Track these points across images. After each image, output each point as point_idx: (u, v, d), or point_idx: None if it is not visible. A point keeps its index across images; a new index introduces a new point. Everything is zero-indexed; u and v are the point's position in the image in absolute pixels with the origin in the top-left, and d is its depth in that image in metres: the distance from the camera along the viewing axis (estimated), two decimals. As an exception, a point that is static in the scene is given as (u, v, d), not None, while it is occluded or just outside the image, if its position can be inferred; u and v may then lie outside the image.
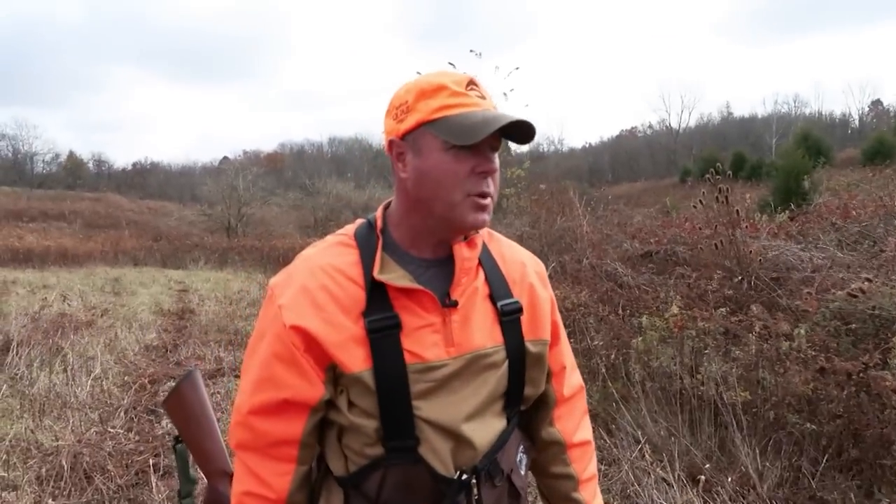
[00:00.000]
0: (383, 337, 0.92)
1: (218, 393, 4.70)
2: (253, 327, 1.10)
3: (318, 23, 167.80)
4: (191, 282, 13.89)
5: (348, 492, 0.99)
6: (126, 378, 5.20)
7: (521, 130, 0.94)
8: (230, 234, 28.82)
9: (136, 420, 4.06)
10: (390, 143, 0.96)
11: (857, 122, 55.40)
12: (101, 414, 4.05)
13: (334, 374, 0.94)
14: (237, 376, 5.24)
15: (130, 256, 20.22)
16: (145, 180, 56.39)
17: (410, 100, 0.94)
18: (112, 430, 3.76)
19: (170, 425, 3.97)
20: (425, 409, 0.94)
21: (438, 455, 0.95)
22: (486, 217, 0.96)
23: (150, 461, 3.24)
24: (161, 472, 3.17)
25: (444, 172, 0.92)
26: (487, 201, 0.95)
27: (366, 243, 0.98)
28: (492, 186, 0.96)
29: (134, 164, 64.17)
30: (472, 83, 0.96)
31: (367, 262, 0.96)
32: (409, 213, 0.98)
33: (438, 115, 0.92)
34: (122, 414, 4.12)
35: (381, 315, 0.93)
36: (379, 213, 1.02)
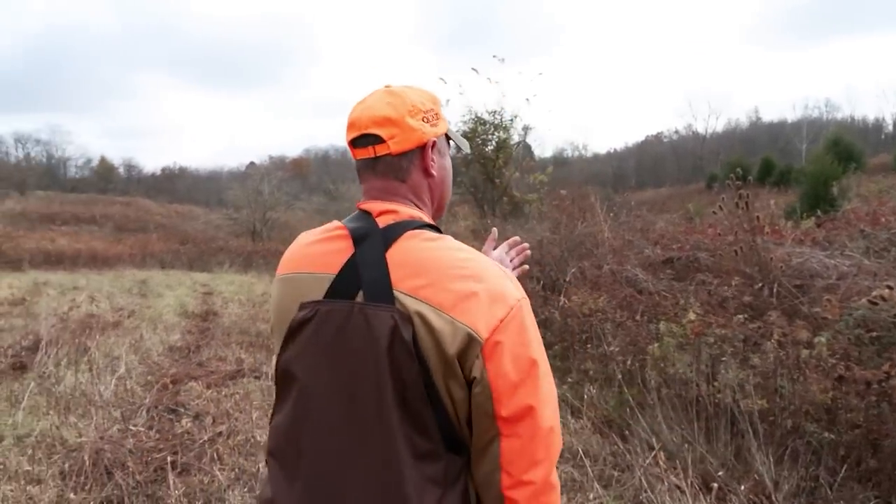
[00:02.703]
0: None
1: (237, 393, 4.77)
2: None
3: (344, 30, 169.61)
4: (215, 285, 14.12)
5: None
6: (149, 378, 5.31)
7: None
8: (255, 238, 29.20)
9: (157, 419, 4.14)
10: (433, 143, 1.09)
11: (890, 126, 54.05)
12: (123, 412, 4.15)
13: None
14: (256, 377, 5.32)
15: (158, 259, 20.60)
16: (174, 185, 57.46)
17: (437, 110, 1.11)
18: (133, 428, 3.84)
19: (189, 424, 4.05)
20: None
21: None
22: None
23: (169, 458, 3.30)
24: (178, 470, 3.24)
25: (451, 172, 1.18)
26: None
27: None
28: None
29: (163, 169, 65.52)
30: None
31: None
32: (429, 211, 1.13)
33: (449, 126, 1.16)
34: (143, 412, 4.21)
35: None
36: (426, 217, 1.09)
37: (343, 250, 1.00)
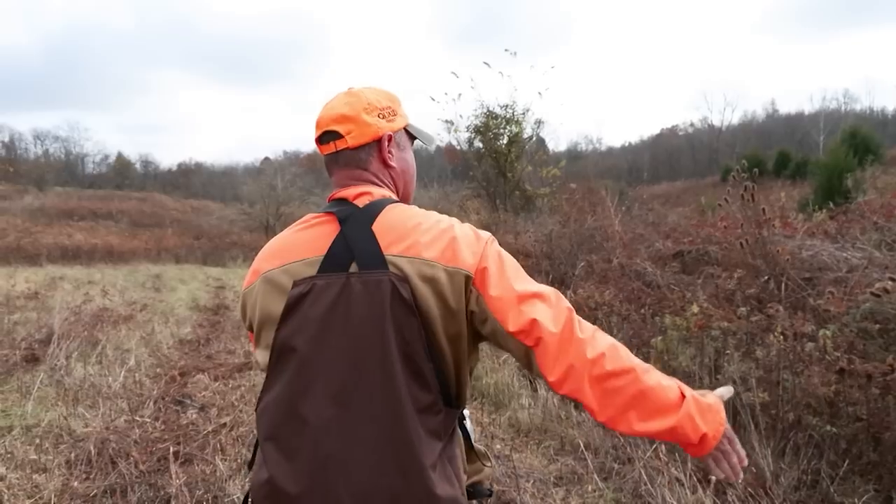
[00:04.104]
0: None
1: (243, 386, 4.82)
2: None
3: (358, 26, 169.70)
4: (228, 279, 14.25)
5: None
6: (158, 370, 5.38)
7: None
8: (268, 233, 29.39)
9: (163, 410, 4.19)
10: (387, 136, 1.18)
11: (911, 118, 53.05)
12: (130, 403, 4.20)
13: None
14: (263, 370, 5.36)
15: (172, 254, 20.85)
16: (189, 180, 57.96)
17: (394, 107, 1.21)
18: (139, 419, 3.89)
19: (195, 415, 4.10)
20: None
21: None
22: None
23: (172, 449, 3.34)
24: (181, 460, 3.27)
25: (413, 163, 1.28)
26: None
27: None
28: None
29: (179, 165, 66.15)
30: None
31: None
32: (395, 195, 1.22)
33: (411, 122, 1.27)
34: (150, 404, 4.26)
35: None
36: (396, 197, 1.21)
37: (329, 233, 1.08)
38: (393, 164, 1.19)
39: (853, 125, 25.79)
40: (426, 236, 1.05)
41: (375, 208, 1.09)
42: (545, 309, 1.03)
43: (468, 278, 1.03)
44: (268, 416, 1.03)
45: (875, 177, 12.78)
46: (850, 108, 55.49)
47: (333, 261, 1.04)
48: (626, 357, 1.02)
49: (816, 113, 52.29)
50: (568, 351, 1.00)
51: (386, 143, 1.18)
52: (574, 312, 1.06)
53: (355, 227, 1.06)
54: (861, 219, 6.67)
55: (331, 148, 1.16)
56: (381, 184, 1.19)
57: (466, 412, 1.25)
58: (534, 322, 1.01)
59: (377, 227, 1.05)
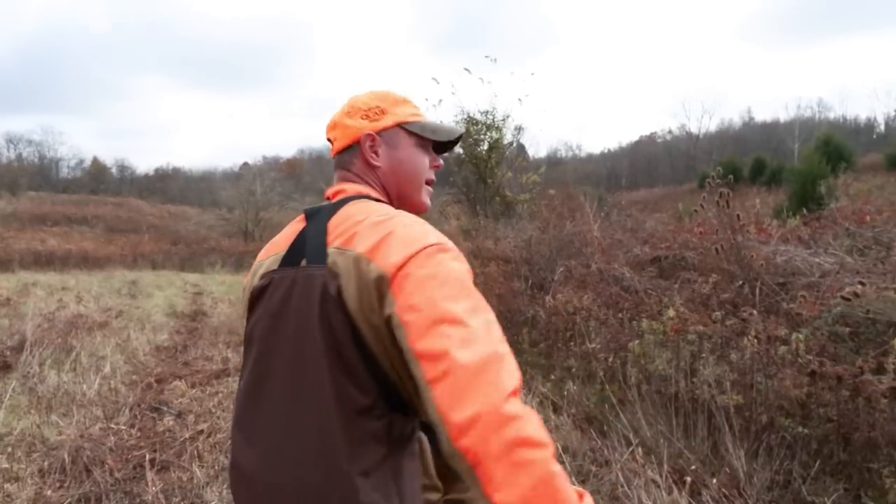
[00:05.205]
0: None
1: (220, 392, 4.78)
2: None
3: (340, 31, 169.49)
4: (206, 285, 14.09)
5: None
6: (134, 377, 5.30)
7: (451, 142, 1.27)
8: (247, 238, 29.14)
9: (139, 417, 4.14)
10: (366, 136, 1.16)
11: (882, 126, 54.35)
12: (105, 411, 4.14)
13: None
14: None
15: (149, 260, 20.54)
16: (167, 185, 57.22)
17: (383, 106, 1.19)
18: (115, 427, 3.84)
19: (171, 422, 4.05)
20: None
21: None
22: (429, 201, 1.25)
23: (148, 456, 3.30)
24: (157, 467, 3.24)
25: (415, 162, 1.21)
26: (431, 189, 1.25)
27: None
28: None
29: (156, 170, 65.19)
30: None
31: None
32: (381, 195, 1.18)
33: (413, 119, 1.20)
34: (126, 411, 4.20)
35: None
36: (374, 194, 1.16)
37: (298, 230, 1.11)
38: (377, 163, 1.17)
39: (826, 133, 26.40)
40: (368, 229, 0.99)
41: (339, 204, 1.09)
42: (469, 337, 0.86)
43: (382, 278, 0.93)
44: (236, 402, 1.08)
45: (847, 184, 13.07)
46: (823, 116, 56.65)
47: (290, 256, 1.06)
48: (543, 429, 0.83)
49: (791, 121, 53.27)
50: (479, 392, 0.82)
51: (367, 144, 1.17)
52: (508, 359, 0.87)
53: (315, 222, 1.07)
54: (833, 225, 6.82)
55: (332, 154, 1.22)
56: (362, 183, 1.18)
57: None
58: (446, 351, 0.85)
59: (332, 221, 1.05)
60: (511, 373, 0.86)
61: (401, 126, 1.19)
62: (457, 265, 0.96)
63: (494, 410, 0.80)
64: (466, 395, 0.82)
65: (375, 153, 1.17)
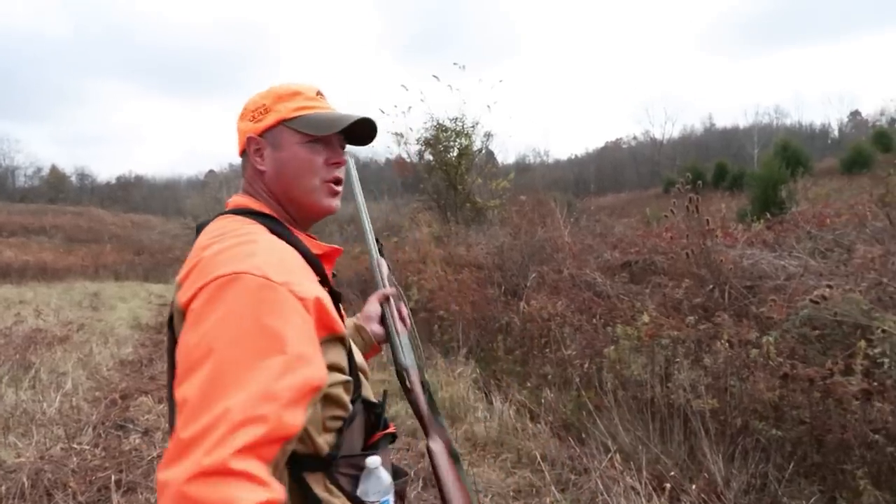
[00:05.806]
0: (337, 299, 1.05)
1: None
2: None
3: (306, 36, 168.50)
4: (171, 295, 13.73)
5: (330, 468, 0.95)
6: (97, 394, 5.12)
7: (366, 131, 1.13)
8: (214, 248, 28.64)
9: (103, 436, 3.99)
10: (248, 139, 1.07)
11: (836, 132, 56.30)
12: (67, 430, 3.98)
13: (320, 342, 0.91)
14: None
15: (111, 270, 20.01)
16: (129, 194, 55.95)
17: (268, 103, 1.07)
18: (77, 447, 3.69)
19: (138, 440, 3.91)
20: (356, 356, 1.06)
21: (368, 390, 1.10)
22: (338, 203, 1.11)
23: (113, 477, 3.17)
24: (124, 489, 3.11)
25: (302, 162, 1.06)
26: (339, 188, 1.10)
27: (274, 227, 1.02)
28: (343, 176, 1.11)
29: (118, 178, 63.65)
30: (320, 92, 1.12)
31: (293, 241, 1.01)
32: (270, 204, 1.07)
33: (296, 113, 1.06)
34: (89, 430, 4.05)
35: (327, 282, 1.04)
36: (255, 205, 1.06)
37: None
38: (263, 167, 1.06)
39: (784, 139, 27.17)
40: (193, 255, 0.93)
41: (208, 222, 1.04)
42: (211, 402, 0.73)
43: (180, 312, 0.85)
44: None
45: (806, 188, 13.44)
46: (780, 122, 58.42)
47: None
48: None
49: (750, 127, 54.81)
50: (178, 460, 0.71)
51: (252, 148, 1.07)
52: (261, 443, 0.73)
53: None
54: (796, 228, 6.99)
55: None
56: (248, 193, 1.09)
57: (372, 462, 0.99)
58: (185, 401, 0.75)
59: (196, 241, 0.99)
60: (231, 445, 0.71)
61: (283, 123, 1.06)
62: (249, 300, 0.81)
63: (178, 485, 0.69)
64: (171, 460, 0.72)
65: (260, 157, 1.07)
